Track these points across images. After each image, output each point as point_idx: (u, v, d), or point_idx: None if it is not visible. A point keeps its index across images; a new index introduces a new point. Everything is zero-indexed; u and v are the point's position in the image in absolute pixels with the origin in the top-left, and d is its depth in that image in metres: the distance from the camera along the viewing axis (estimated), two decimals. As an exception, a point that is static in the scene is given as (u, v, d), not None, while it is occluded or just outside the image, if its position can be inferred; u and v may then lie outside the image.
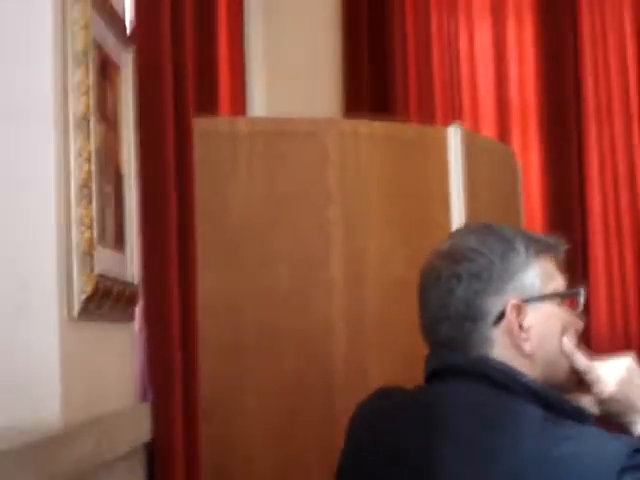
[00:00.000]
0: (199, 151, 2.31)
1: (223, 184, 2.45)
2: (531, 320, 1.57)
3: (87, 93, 1.69)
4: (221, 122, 2.60)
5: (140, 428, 2.03)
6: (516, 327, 1.56)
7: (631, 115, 4.58)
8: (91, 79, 1.71)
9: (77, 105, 1.66)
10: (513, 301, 1.56)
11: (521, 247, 1.59)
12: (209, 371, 2.31)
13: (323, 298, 2.47)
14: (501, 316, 1.56)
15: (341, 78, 4.09)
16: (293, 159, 2.49)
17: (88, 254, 1.67)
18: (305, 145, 2.50)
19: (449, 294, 1.58)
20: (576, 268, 4.38)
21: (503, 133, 4.34)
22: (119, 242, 1.96)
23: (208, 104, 2.49)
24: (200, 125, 2.34)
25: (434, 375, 1.61)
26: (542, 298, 1.59)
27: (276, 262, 2.46)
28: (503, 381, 1.52)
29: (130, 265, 2.04)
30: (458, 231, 1.78)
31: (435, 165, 2.67)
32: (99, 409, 1.77)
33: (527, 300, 1.57)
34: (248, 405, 2.42)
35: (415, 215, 2.62)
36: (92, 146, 1.71)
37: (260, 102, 3.21)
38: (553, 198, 4.35)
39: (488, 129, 4.29)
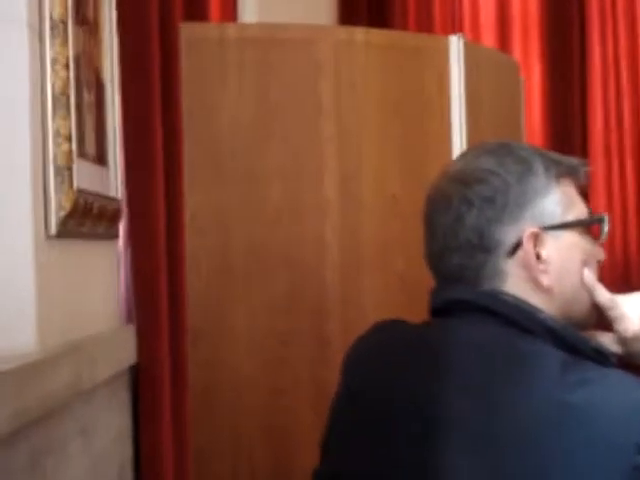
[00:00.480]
0: (186, 59, 2.17)
1: (211, 94, 2.32)
2: (550, 251, 1.42)
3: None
4: (209, 28, 2.45)
5: (124, 351, 1.94)
6: (533, 258, 1.41)
7: (635, 24, 4.43)
8: (68, -22, 1.57)
9: (53, 7, 1.52)
10: (531, 229, 1.41)
11: (540, 169, 1.43)
12: (197, 293, 2.21)
13: (316, 216, 2.35)
14: (516, 246, 1.41)
15: None
16: (285, 69, 2.35)
17: (66, 168, 1.55)
18: (298, 54, 2.35)
19: (459, 221, 1.42)
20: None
21: (504, 45, 4.18)
22: (101, 155, 1.84)
23: (196, 10, 2.33)
24: (187, 31, 2.20)
25: (441, 311, 1.46)
26: (563, 226, 1.43)
27: (267, 178, 2.34)
28: (517, 318, 1.38)
29: (114, 179, 1.92)
30: (470, 150, 1.58)
31: (435, 77, 2.53)
32: (80, 333, 1.67)
33: (546, 228, 1.42)
34: (237, 328, 2.32)
35: (413, 129, 2.49)
36: (70, 52, 1.57)
37: (251, 9, 3.04)
38: (554, 112, 4.21)
39: (489, 41, 4.12)
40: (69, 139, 1.56)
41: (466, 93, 2.56)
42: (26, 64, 1.45)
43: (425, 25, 4.07)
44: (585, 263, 1.46)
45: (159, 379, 2.04)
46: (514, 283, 1.41)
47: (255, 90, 2.33)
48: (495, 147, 1.47)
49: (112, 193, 1.90)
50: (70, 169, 1.56)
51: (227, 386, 2.33)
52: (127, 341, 1.97)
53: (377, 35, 2.53)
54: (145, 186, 2.01)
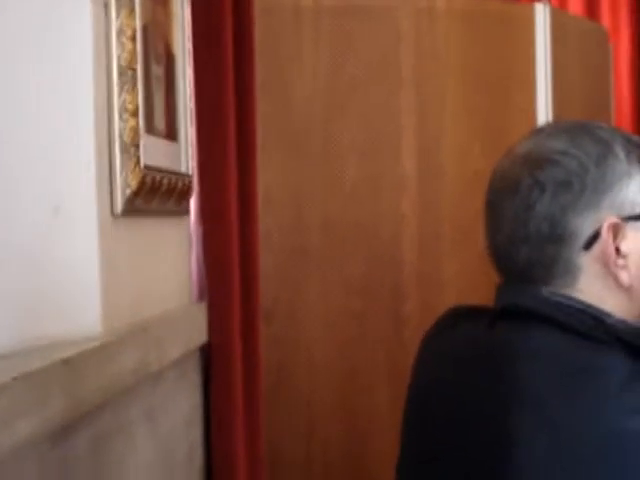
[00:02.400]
0: (259, 29, 2.11)
1: (286, 65, 2.25)
2: (631, 244, 1.25)
3: (130, -37, 1.48)
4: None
5: (194, 330, 1.90)
6: (613, 252, 1.24)
7: None
8: (135, -55, 1.51)
9: (118, -25, 1.46)
10: (611, 219, 1.24)
11: (622, 152, 1.26)
12: (270, 270, 2.16)
13: (394, 192, 2.27)
14: (593, 238, 1.24)
15: None
16: (363, 39, 2.26)
17: (133, 144, 1.50)
18: (376, 23, 2.26)
19: (529, 209, 1.25)
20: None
21: (591, 12, 4.02)
22: (171, 130, 1.78)
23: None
24: (261, 1, 2.13)
25: (507, 312, 1.29)
26: None
27: (343, 152, 2.26)
28: (583, 329, 1.22)
29: (185, 155, 1.87)
30: (543, 129, 1.35)
31: (520, 45, 2.42)
32: (149, 313, 1.63)
33: (627, 219, 1.25)
34: (312, 307, 2.26)
35: (497, 101, 2.39)
36: (137, 22, 1.52)
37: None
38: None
39: (575, 7, 3.96)
40: (136, 114, 1.50)
41: (552, 63, 2.45)
42: (90, 36, 1.40)
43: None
44: None
45: (231, 358, 2.00)
46: (589, 280, 1.26)
47: (331, 61, 2.25)
48: (570, 126, 1.30)
49: (183, 169, 1.85)
50: (137, 146, 1.51)
51: (301, 365, 2.28)
52: (198, 320, 1.92)
53: (459, 2, 2.42)
54: (217, 162, 1.96)
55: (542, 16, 2.43)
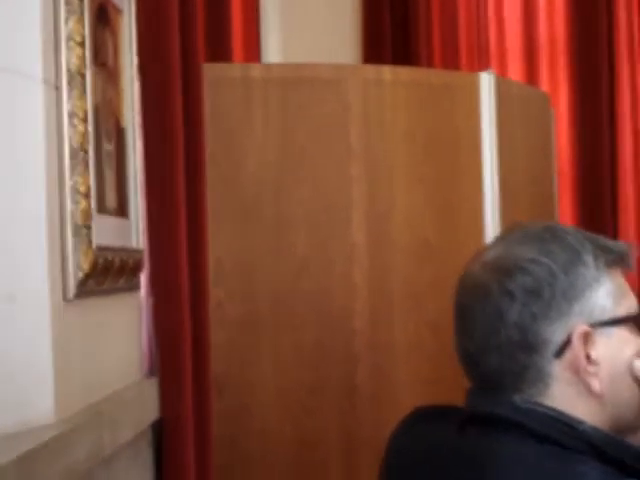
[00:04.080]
0: (209, 100, 2.11)
1: (236, 137, 2.24)
2: (601, 350, 1.25)
3: (82, 44, 1.48)
4: (233, 68, 2.37)
5: (147, 408, 1.87)
6: (583, 360, 1.25)
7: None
8: (87, 27, 1.51)
9: (70, 58, 1.46)
10: (581, 327, 1.24)
11: (590, 257, 1.27)
12: (221, 342, 2.14)
13: (345, 262, 2.27)
14: (564, 346, 1.24)
15: (360, 24, 3.80)
16: (312, 109, 2.27)
17: (84, 226, 1.48)
18: (325, 94, 2.27)
19: (499, 318, 1.24)
20: (605, 215, 4.19)
21: (531, 75, 4.09)
22: (122, 206, 1.77)
23: (219, 51, 2.26)
24: (210, 72, 2.14)
25: (477, 418, 1.29)
26: (615, 322, 1.26)
27: (293, 222, 2.25)
28: (555, 436, 1.22)
29: (135, 229, 1.86)
30: (509, 234, 1.36)
31: (465, 114, 2.45)
32: (101, 393, 1.60)
33: (596, 325, 1.25)
34: (264, 378, 2.24)
35: (445, 169, 2.41)
36: (89, 104, 1.51)
37: (274, 50, 2.96)
38: (583, 141, 4.10)
39: (515, 72, 4.03)
40: (87, 196, 1.49)
41: (497, 130, 2.48)
42: (42, 120, 1.39)
43: (451, 60, 3.97)
44: (638, 355, 1.28)
45: (183, 434, 1.97)
46: (560, 388, 1.26)
47: (281, 131, 2.25)
48: (538, 231, 1.31)
49: (134, 244, 1.83)
50: (89, 227, 1.49)
51: (253, 437, 2.25)
52: (149, 396, 1.89)
53: (405, 73, 2.45)
54: (167, 235, 1.95)
55: (487, 84, 2.47)
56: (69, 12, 1.46)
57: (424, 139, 2.38)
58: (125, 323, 1.85)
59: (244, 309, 2.25)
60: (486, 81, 2.47)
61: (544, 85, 4.05)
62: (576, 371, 1.25)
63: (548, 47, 4.20)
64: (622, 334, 1.28)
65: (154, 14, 1.93)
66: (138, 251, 1.84)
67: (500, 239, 1.35)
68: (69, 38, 1.46)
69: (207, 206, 2.08)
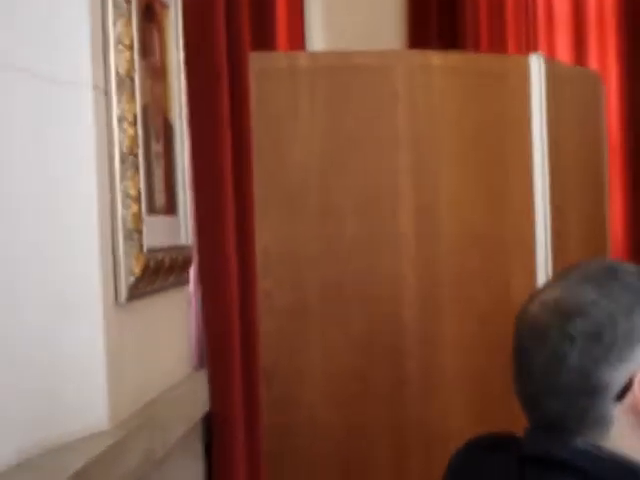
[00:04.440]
0: (256, 90, 2.10)
1: (283, 126, 2.23)
2: None
3: (131, 47, 1.47)
4: (280, 57, 2.35)
5: (197, 402, 1.88)
6: None
7: None
8: (135, 29, 1.50)
9: (119, 62, 1.45)
10: None
11: None
12: (270, 331, 2.14)
13: (392, 252, 2.25)
14: (625, 389, 1.23)
15: (406, 8, 3.75)
16: (359, 97, 2.25)
17: (136, 230, 1.48)
18: (372, 81, 2.25)
19: (559, 361, 1.24)
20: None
21: (580, 52, 4.01)
22: (171, 205, 1.77)
23: (264, 41, 2.24)
24: (256, 62, 2.12)
25: (536, 459, 1.28)
26: None
27: (341, 213, 2.24)
28: None
29: (184, 226, 1.86)
30: (569, 273, 1.33)
31: (514, 100, 2.41)
32: (152, 393, 1.62)
33: None
34: (312, 368, 2.24)
35: (493, 157, 2.38)
36: (138, 106, 1.51)
37: (319, 38, 2.93)
38: (634, 117, 4.03)
39: (563, 52, 3.95)
40: (138, 199, 1.49)
41: (547, 114, 2.44)
42: (92, 126, 1.38)
43: (498, 42, 3.91)
44: None
45: (233, 426, 1.98)
46: (620, 431, 1.25)
47: (328, 121, 2.24)
48: (598, 271, 1.29)
49: (182, 240, 1.83)
50: (140, 231, 1.49)
51: (303, 427, 2.26)
52: (199, 390, 1.90)
53: (454, 58, 2.41)
54: (215, 229, 1.95)
55: (537, 67, 2.42)
56: (117, 15, 1.45)
57: (472, 126, 2.35)
58: (175, 319, 1.86)
59: (292, 298, 2.25)
60: (536, 64, 2.43)
61: (593, 63, 3.98)
62: (637, 414, 1.25)
63: (597, 24, 4.12)
64: None
65: (199, 6, 1.92)
66: (187, 247, 1.85)
67: (559, 278, 1.33)
68: (118, 42, 1.45)
69: (254, 197, 2.08)
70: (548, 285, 1.32)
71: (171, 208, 1.77)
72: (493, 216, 2.34)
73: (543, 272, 2.43)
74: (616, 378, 1.23)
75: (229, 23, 1.99)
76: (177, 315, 1.87)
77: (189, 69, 1.90)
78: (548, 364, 1.25)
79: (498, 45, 3.91)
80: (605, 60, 4.06)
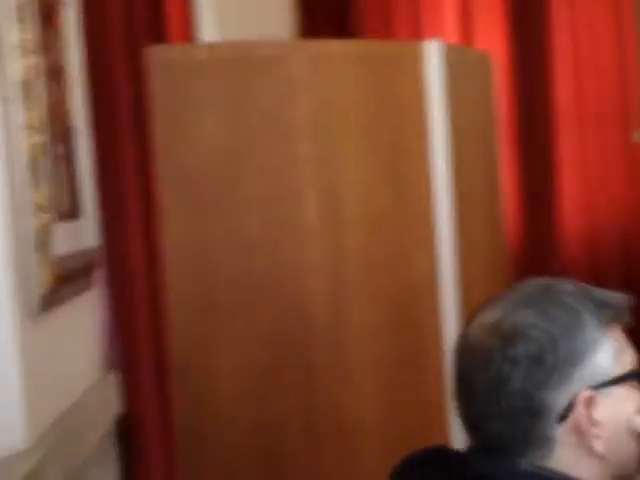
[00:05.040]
0: (155, 85, 2.07)
1: (184, 120, 2.20)
2: (603, 411, 1.25)
3: (30, 51, 1.43)
4: (178, 50, 2.31)
5: (110, 406, 1.85)
6: (587, 424, 1.25)
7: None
8: (32, 32, 1.45)
9: (18, 67, 1.41)
10: (585, 392, 1.24)
11: (589, 317, 1.26)
12: (178, 328, 2.12)
13: (298, 242, 2.25)
14: (567, 410, 1.24)
15: None
16: (259, 88, 2.23)
17: (45, 240, 1.45)
18: (271, 72, 2.23)
19: (502, 384, 1.24)
20: (541, 164, 4.24)
21: (467, 38, 4.08)
22: (77, 207, 1.74)
23: (155, 32, 2.20)
24: (155, 55, 2.09)
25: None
26: (616, 382, 1.26)
27: (244, 205, 2.23)
28: None
29: (91, 226, 1.82)
30: (507, 296, 1.32)
31: (413, 84, 2.42)
32: (68, 402, 1.59)
33: (598, 387, 1.25)
34: (222, 362, 2.23)
35: (394, 142, 2.39)
36: (39, 112, 1.47)
37: (209, 29, 2.89)
38: (521, 100, 4.11)
39: (452, 36, 4.00)
40: (45, 208, 1.46)
41: (445, 97, 2.47)
42: (-6, 135, 1.34)
43: (387, 27, 3.96)
44: (637, 412, 1.29)
45: (148, 427, 1.96)
46: (563, 451, 1.26)
47: (229, 113, 2.21)
48: (536, 292, 1.29)
49: (89, 243, 1.80)
50: (49, 241, 1.46)
51: (215, 422, 2.25)
52: (112, 394, 1.88)
53: (352, 46, 2.42)
54: (121, 229, 1.92)
55: (434, 52, 2.45)
56: (14, 20, 1.40)
57: (372, 113, 2.36)
58: (86, 323, 1.83)
59: (199, 293, 2.23)
60: (434, 48, 2.45)
61: (480, 42, 4.06)
62: (579, 434, 1.26)
63: (483, 5, 4.18)
64: (622, 392, 1.28)
65: (97, 1, 1.88)
66: (94, 249, 1.82)
67: (498, 300, 1.32)
68: (16, 46, 1.41)
69: (159, 194, 2.05)
70: (487, 306, 1.32)
71: (76, 211, 1.73)
72: (395, 202, 2.36)
73: (446, 256, 2.47)
74: (558, 400, 1.24)
75: (127, 17, 1.95)
76: (88, 319, 1.84)
77: (88, 67, 1.86)
78: (491, 387, 1.25)
79: (388, 31, 3.95)
80: (492, 40, 4.13)
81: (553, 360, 1.24)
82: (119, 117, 1.91)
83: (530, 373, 1.24)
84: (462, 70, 2.59)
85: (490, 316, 1.29)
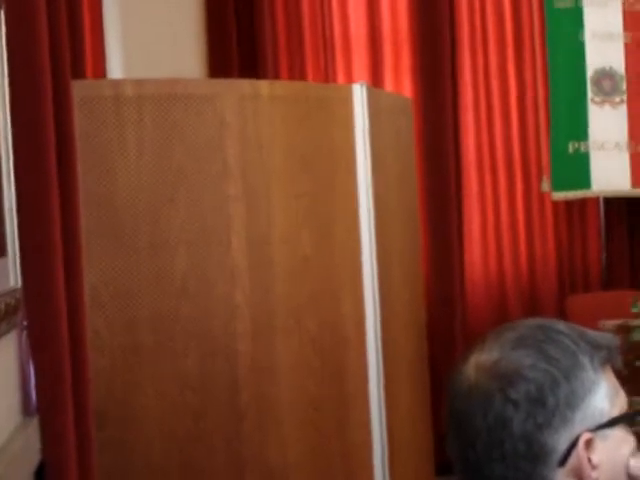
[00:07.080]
0: (80, 120, 2.02)
1: (109, 157, 2.15)
2: (601, 454, 1.24)
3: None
4: (103, 85, 2.26)
5: (29, 454, 1.77)
6: (587, 467, 1.23)
7: (505, 38, 4.47)
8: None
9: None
10: (586, 435, 1.22)
11: (586, 359, 1.25)
12: (101, 372, 2.06)
13: (225, 283, 2.21)
14: (567, 453, 1.22)
15: (205, 38, 3.74)
16: (187, 126, 2.19)
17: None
18: (200, 110, 2.20)
19: (503, 427, 1.21)
20: (451, 205, 4.28)
21: (377, 81, 4.10)
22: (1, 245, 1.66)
23: (73, 68, 2.13)
24: (79, 90, 2.04)
25: None
26: (613, 424, 1.25)
27: (171, 245, 2.18)
28: None
29: (13, 266, 1.75)
30: (502, 335, 1.30)
31: (340, 127, 2.42)
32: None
33: (597, 429, 1.24)
34: (146, 407, 2.17)
35: (322, 184, 2.38)
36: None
37: (118, 66, 2.84)
38: (427, 134, 4.14)
39: (361, 76, 4.02)
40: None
41: (370, 141, 2.47)
42: None
43: (298, 67, 3.97)
44: (632, 454, 1.27)
45: (67, 474, 1.89)
46: None
47: (155, 151, 2.17)
48: (531, 332, 1.27)
49: (12, 283, 1.73)
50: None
51: (137, 468, 2.18)
52: (32, 441, 1.80)
53: (282, 87, 2.40)
54: (43, 270, 1.85)
55: (360, 96, 2.45)
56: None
57: (301, 154, 2.34)
58: (6, 366, 1.75)
59: (123, 336, 2.16)
60: (359, 91, 2.45)
61: (389, 83, 4.10)
62: (578, 476, 1.24)
63: (392, 43, 4.22)
64: (618, 434, 1.27)
65: (23, 34, 1.82)
66: (17, 290, 1.75)
67: (492, 341, 1.29)
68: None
69: (82, 233, 1.98)
70: (481, 348, 1.29)
71: (1, 250, 1.66)
72: (322, 242, 2.34)
73: (370, 296, 2.45)
74: (559, 443, 1.22)
75: (52, 51, 1.90)
76: (8, 362, 1.76)
77: (14, 97, 1.80)
78: (491, 429, 1.23)
79: (298, 73, 3.96)
80: (400, 80, 4.17)
81: (554, 402, 1.22)
82: (43, 152, 1.85)
83: (531, 416, 1.21)
84: (385, 113, 2.60)
85: (486, 357, 1.26)
